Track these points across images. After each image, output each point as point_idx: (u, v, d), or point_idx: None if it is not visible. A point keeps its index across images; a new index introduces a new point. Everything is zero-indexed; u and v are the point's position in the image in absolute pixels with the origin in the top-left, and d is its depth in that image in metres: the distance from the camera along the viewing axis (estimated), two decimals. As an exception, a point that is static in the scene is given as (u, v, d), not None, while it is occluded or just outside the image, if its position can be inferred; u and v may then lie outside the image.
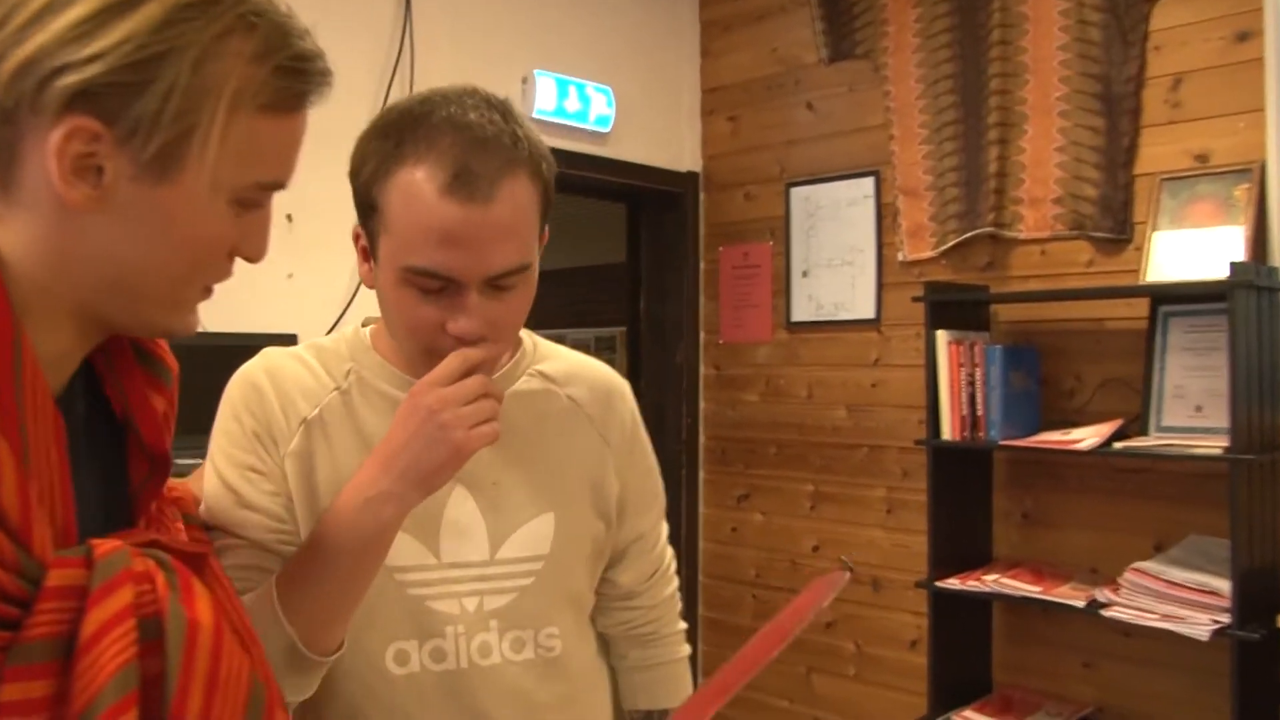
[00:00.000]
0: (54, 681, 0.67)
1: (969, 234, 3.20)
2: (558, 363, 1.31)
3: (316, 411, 1.18)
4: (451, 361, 1.03)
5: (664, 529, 1.41)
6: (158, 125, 0.71)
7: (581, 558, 1.26)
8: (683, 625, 1.43)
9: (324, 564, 1.02)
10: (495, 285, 1.06)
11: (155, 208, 0.74)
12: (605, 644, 1.38)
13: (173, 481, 0.99)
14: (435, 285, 1.05)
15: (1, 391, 0.68)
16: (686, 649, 1.43)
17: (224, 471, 1.15)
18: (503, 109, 1.08)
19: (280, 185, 0.81)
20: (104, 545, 0.72)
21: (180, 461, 2.47)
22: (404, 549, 1.15)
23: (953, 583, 2.92)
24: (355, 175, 1.08)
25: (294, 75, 0.77)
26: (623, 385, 1.36)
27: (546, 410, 1.27)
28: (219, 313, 2.63)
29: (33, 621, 0.67)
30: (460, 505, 1.19)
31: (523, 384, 1.26)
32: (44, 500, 0.70)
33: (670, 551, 1.43)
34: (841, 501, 3.57)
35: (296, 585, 1.03)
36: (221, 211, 0.77)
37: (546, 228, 1.15)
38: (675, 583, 1.43)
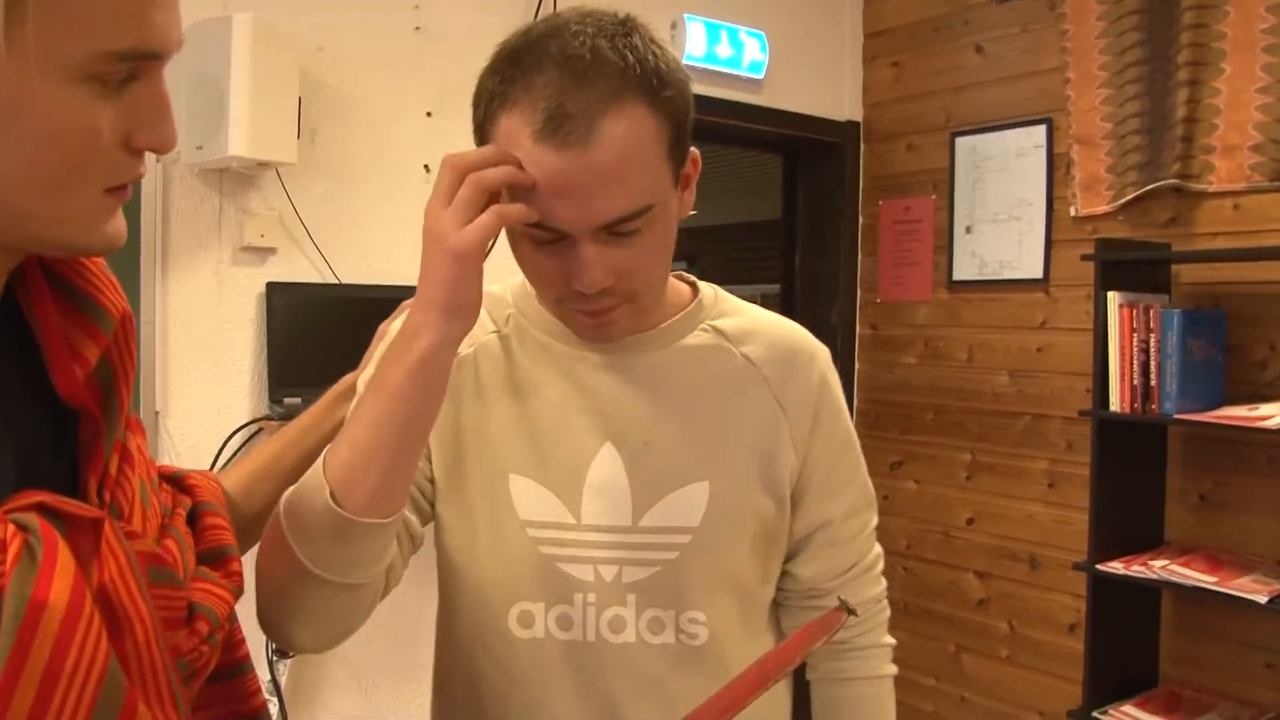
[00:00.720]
0: None
1: (1151, 186, 2.92)
2: (739, 319, 1.19)
3: (470, 350, 1.14)
4: (442, 175, 0.94)
5: (866, 521, 1.23)
6: None
7: (742, 537, 1.13)
8: (888, 640, 1.25)
9: (365, 405, 0.94)
10: (613, 232, 0.97)
11: None
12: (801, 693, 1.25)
13: (194, 473, 0.93)
14: (548, 237, 0.98)
15: None
16: (889, 667, 1.24)
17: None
18: (619, 30, 0.97)
19: (146, 53, 0.66)
20: None
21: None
22: (542, 503, 1.10)
23: (1116, 566, 2.70)
24: (473, 118, 1.01)
25: None
26: (813, 347, 1.20)
27: (715, 368, 1.15)
28: (354, 262, 2.69)
29: None
30: (606, 463, 1.11)
31: (693, 339, 1.16)
32: None
33: (876, 550, 1.25)
34: (1000, 473, 3.36)
35: (342, 433, 0.96)
36: (74, 93, 0.64)
37: (691, 155, 1.05)
38: (880, 586, 1.25)
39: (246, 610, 0.89)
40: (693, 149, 1.05)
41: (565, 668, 1.09)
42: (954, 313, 3.51)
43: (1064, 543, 3.16)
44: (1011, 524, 3.33)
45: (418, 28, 2.77)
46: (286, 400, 2.49)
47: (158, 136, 0.69)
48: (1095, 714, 2.71)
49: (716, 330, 1.17)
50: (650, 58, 0.96)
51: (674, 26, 3.24)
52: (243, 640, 0.87)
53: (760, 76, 3.44)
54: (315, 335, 2.60)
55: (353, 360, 2.48)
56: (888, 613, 1.26)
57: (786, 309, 3.97)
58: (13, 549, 0.61)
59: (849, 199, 3.80)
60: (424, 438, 0.96)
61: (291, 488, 0.98)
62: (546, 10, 2.92)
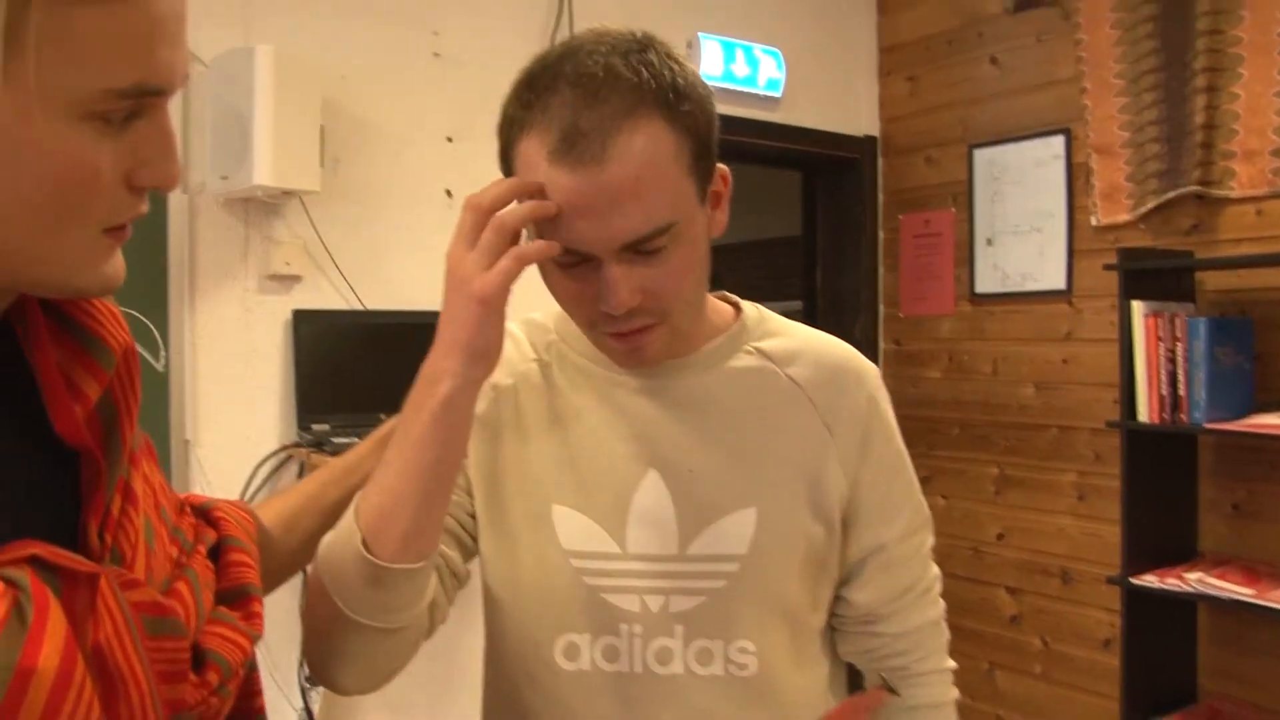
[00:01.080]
0: None
1: (1171, 194, 2.90)
2: (784, 339, 1.15)
3: (510, 381, 1.13)
4: (464, 218, 0.94)
5: (921, 542, 1.18)
6: None
7: (791, 564, 1.09)
8: (949, 664, 1.19)
9: (393, 451, 0.94)
10: (638, 251, 0.95)
11: None
12: (854, 676, 1.21)
13: (223, 504, 0.92)
14: (572, 260, 0.96)
15: None
16: (950, 692, 1.19)
17: None
18: (635, 47, 0.95)
19: (149, 89, 0.63)
20: None
21: (337, 441, 2.47)
22: (585, 533, 1.07)
23: (1150, 579, 2.67)
24: (498, 146, 1.00)
25: None
26: (861, 366, 1.15)
27: (760, 391, 1.11)
28: (378, 289, 2.70)
29: None
30: (651, 491, 1.08)
31: (737, 361, 1.12)
32: None
33: (934, 572, 1.19)
34: (1029, 486, 3.34)
35: (372, 479, 0.96)
36: (71, 131, 0.61)
37: (719, 171, 1.03)
38: (939, 609, 1.19)
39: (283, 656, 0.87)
40: (722, 166, 1.03)
41: (612, 700, 1.06)
42: (977, 326, 3.49)
43: (1096, 556, 3.13)
44: (1042, 538, 3.30)
45: (436, 54, 2.79)
46: (315, 427, 2.50)
47: (161, 174, 0.66)
48: (1133, 729, 2.68)
49: (761, 352, 1.13)
50: (666, 72, 0.94)
51: (689, 46, 3.25)
52: (260, 691, 0.85)
53: (777, 94, 3.45)
54: (342, 362, 2.62)
55: (380, 386, 2.51)
56: (947, 636, 1.20)
57: (810, 325, 3.97)
58: (1, 609, 0.58)
59: (869, 214, 3.80)
60: (451, 481, 0.96)
61: (327, 535, 0.99)
62: (564, 32, 2.94)
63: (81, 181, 0.62)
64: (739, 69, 3.33)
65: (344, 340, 2.63)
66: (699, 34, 3.24)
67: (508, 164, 0.98)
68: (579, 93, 0.91)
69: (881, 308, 3.82)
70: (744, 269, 6.71)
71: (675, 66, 0.95)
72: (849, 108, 3.75)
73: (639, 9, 3.15)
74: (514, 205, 0.93)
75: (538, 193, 0.93)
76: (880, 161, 3.81)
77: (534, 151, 0.93)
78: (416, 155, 2.76)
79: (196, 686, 0.70)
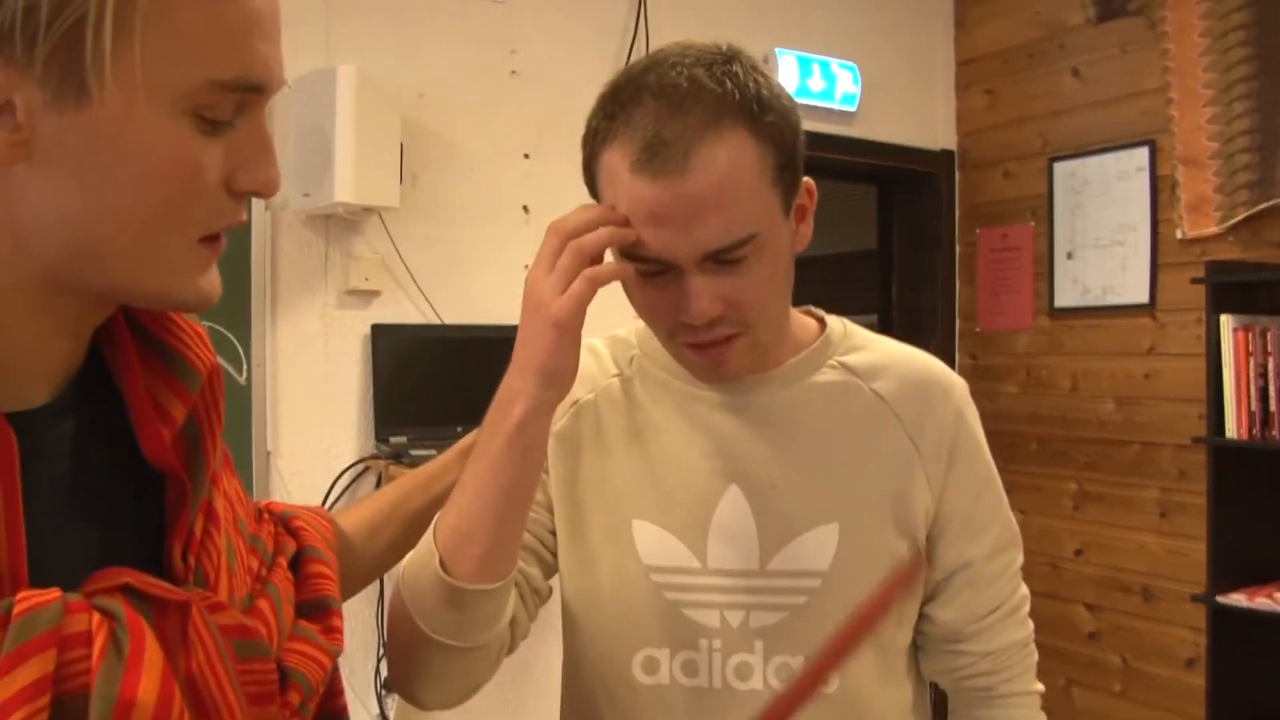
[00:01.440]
0: None
1: (1263, 205, 2.84)
2: (869, 353, 1.13)
3: (591, 396, 1.13)
4: (546, 241, 0.94)
5: (1010, 561, 1.15)
6: (35, 26, 0.55)
7: (874, 581, 1.05)
8: (1037, 686, 1.16)
9: (469, 473, 0.95)
10: (720, 261, 0.94)
11: (87, 138, 0.58)
12: (939, 697, 1.18)
13: (304, 512, 0.92)
14: (653, 269, 0.96)
15: None
16: (1038, 716, 1.15)
17: None
18: (719, 59, 0.94)
19: (251, 85, 0.63)
20: (31, 598, 0.57)
21: (415, 453, 2.49)
22: (665, 548, 1.07)
23: (1238, 598, 2.61)
24: (582, 159, 1.00)
25: None
26: (949, 380, 1.13)
27: (845, 406, 1.10)
28: (456, 303, 2.74)
29: None
30: (732, 506, 1.07)
31: (821, 376, 1.11)
32: None
33: (1022, 591, 1.16)
34: (1109, 502, 3.28)
35: (450, 499, 0.97)
36: (172, 127, 0.60)
37: (804, 185, 1.02)
38: (1027, 630, 1.16)
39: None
40: (807, 180, 1.02)
41: (690, 715, 1.05)
42: (1056, 340, 3.44)
43: (1178, 574, 3.07)
44: (1122, 555, 3.24)
45: (514, 71, 2.83)
46: (393, 439, 2.54)
47: (261, 177, 0.66)
48: (1220, 753, 2.62)
49: (845, 366, 1.12)
50: (751, 85, 0.93)
51: (765, 61, 3.24)
52: (341, 691, 0.85)
53: (853, 109, 3.44)
54: (419, 375, 2.66)
55: (456, 399, 2.52)
56: (1035, 657, 1.17)
57: (885, 340, 3.95)
58: (98, 642, 0.57)
59: (945, 228, 3.77)
60: (527, 502, 0.96)
61: (408, 555, 1.00)
62: (640, 50, 2.97)
63: (183, 180, 0.62)
64: (815, 84, 3.32)
65: (421, 354, 2.67)
66: (776, 49, 3.25)
67: (591, 176, 0.99)
68: (663, 103, 0.91)
69: (958, 322, 3.79)
70: (819, 283, 6.67)
71: (760, 79, 0.94)
72: (925, 122, 3.73)
73: (715, 25, 3.16)
74: (594, 230, 0.93)
75: (622, 221, 0.93)
76: (957, 175, 3.78)
77: (617, 162, 0.93)
78: (493, 172, 2.80)
79: (279, 709, 0.70)
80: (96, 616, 0.58)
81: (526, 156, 2.85)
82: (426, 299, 2.67)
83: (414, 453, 2.47)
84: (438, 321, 2.69)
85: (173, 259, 0.64)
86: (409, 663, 1.00)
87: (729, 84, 0.92)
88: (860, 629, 0.91)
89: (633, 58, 2.98)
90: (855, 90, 3.43)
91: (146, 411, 0.69)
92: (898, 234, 3.92)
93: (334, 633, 0.80)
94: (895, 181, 3.86)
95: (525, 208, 2.84)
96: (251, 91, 0.63)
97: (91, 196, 0.60)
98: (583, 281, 0.91)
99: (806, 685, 0.88)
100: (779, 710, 0.87)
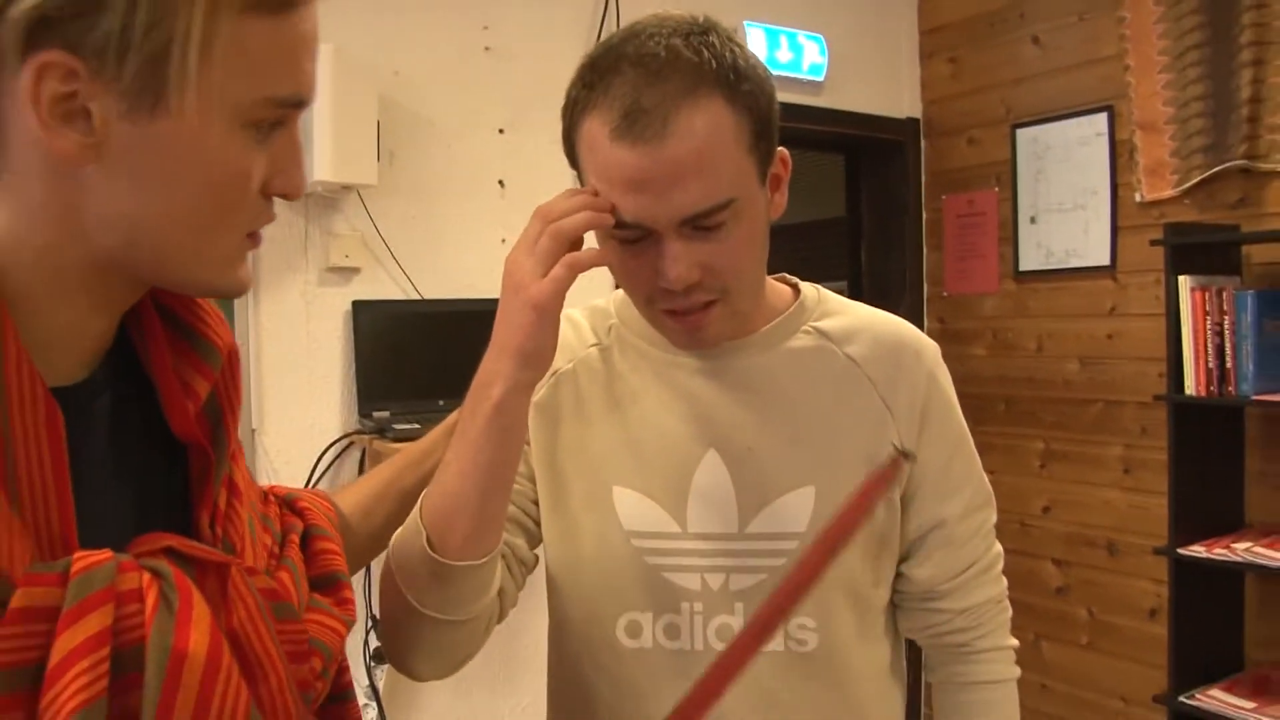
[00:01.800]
0: (20, 716, 0.57)
1: (1217, 168, 2.91)
2: (842, 318, 1.15)
3: (570, 366, 1.15)
4: (530, 224, 0.96)
5: (984, 520, 1.18)
6: (128, 44, 0.61)
7: (853, 542, 1.06)
8: (1011, 641, 1.20)
9: (451, 453, 0.97)
10: (698, 227, 0.97)
11: (155, 145, 0.64)
12: (916, 654, 1.22)
13: (305, 494, 0.96)
14: (633, 235, 0.98)
15: None
16: (1011, 670, 1.19)
17: None
18: (695, 29, 0.96)
19: (300, 101, 0.69)
20: (86, 558, 0.61)
21: (398, 427, 2.52)
22: (646, 513, 1.09)
23: (1198, 550, 2.70)
24: (562, 129, 1.02)
25: None
26: (920, 343, 1.16)
27: (819, 371, 1.12)
28: (434, 278, 2.78)
29: None
30: (710, 471, 1.09)
31: (796, 341, 1.13)
32: (30, 504, 0.61)
33: (996, 549, 1.20)
34: (1074, 460, 3.37)
35: (434, 478, 0.99)
36: (233, 138, 0.67)
37: (779, 154, 1.04)
38: (1000, 586, 1.19)
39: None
40: (782, 150, 1.04)
41: (673, 676, 1.06)
42: (1021, 303, 3.52)
43: (1142, 528, 3.15)
44: (1088, 511, 3.33)
45: (487, 48, 2.85)
46: (375, 414, 2.58)
47: (292, 181, 0.72)
48: (1182, 699, 2.71)
49: (819, 331, 1.14)
50: (728, 54, 0.95)
51: (735, 33, 3.29)
52: (347, 667, 0.88)
53: (820, 79, 3.48)
54: (400, 350, 2.69)
55: (437, 372, 2.54)
56: (1009, 613, 1.21)
57: (856, 306, 4.01)
58: (150, 598, 0.62)
59: (912, 195, 3.83)
60: (509, 479, 0.98)
61: (397, 531, 1.03)
62: (610, 24, 3.00)
63: (236, 186, 0.68)
64: (783, 55, 3.37)
65: (402, 329, 2.70)
66: (744, 22, 3.28)
67: (571, 145, 1.01)
68: (641, 72, 0.93)
69: (926, 287, 3.85)
70: (790, 250, 6.68)
71: (735, 49, 0.97)
72: (891, 91, 3.77)
73: (684, 1, 3.20)
74: (575, 214, 0.95)
75: (605, 207, 0.95)
76: (923, 143, 3.83)
77: (597, 130, 0.95)
78: (469, 148, 2.82)
79: (307, 671, 0.74)
80: (146, 575, 0.63)
81: (501, 131, 2.88)
82: (406, 275, 2.70)
83: (397, 427, 2.51)
84: (417, 297, 2.72)
85: (220, 254, 0.71)
86: (401, 636, 1.03)
87: (705, 53, 0.94)
88: (846, 527, 0.94)
89: (604, 32, 3.01)
90: (822, 61, 3.47)
91: (174, 388, 0.75)
92: (866, 201, 3.97)
93: (346, 604, 0.85)
94: (863, 150, 3.91)
95: (501, 182, 2.87)
96: (297, 106, 0.70)
97: (154, 198, 0.66)
98: (563, 267, 0.93)
99: (799, 582, 0.91)
100: (773, 608, 0.91)
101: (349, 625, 0.83)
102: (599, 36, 3.00)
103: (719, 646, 1.06)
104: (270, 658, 0.70)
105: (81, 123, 0.62)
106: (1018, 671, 1.20)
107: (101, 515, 0.67)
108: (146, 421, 0.75)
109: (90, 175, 0.64)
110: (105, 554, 0.62)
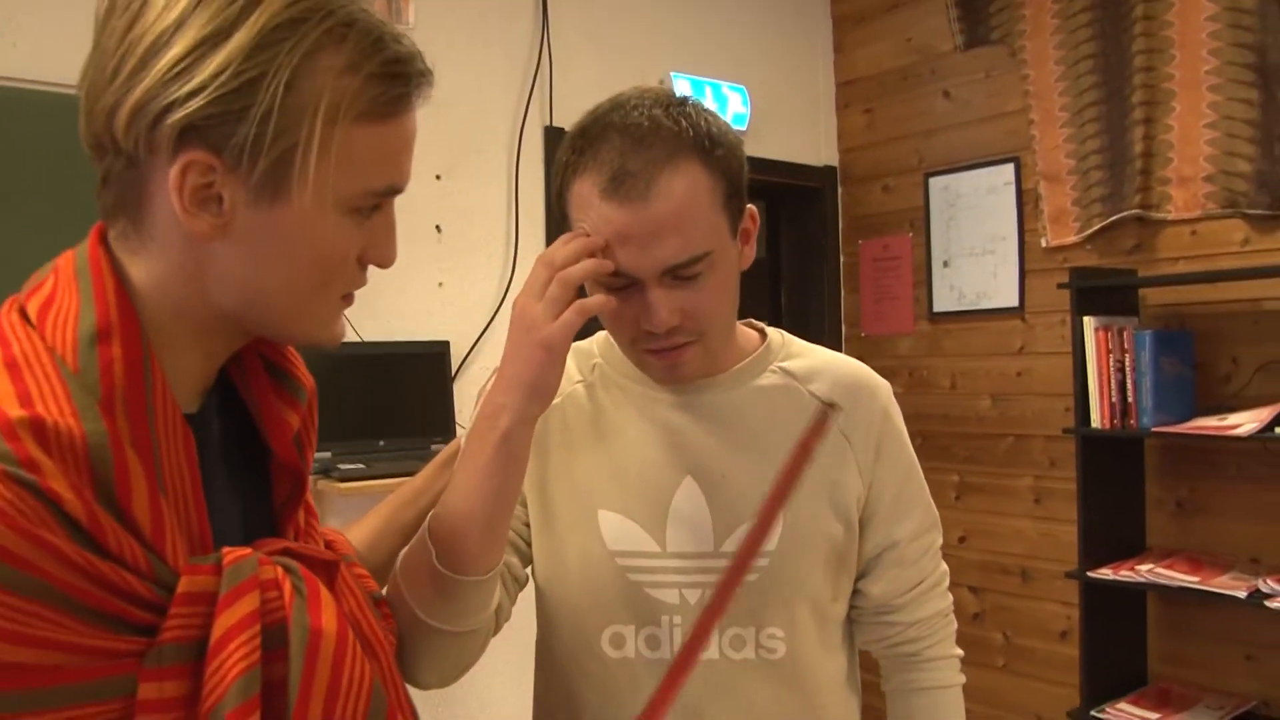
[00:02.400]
0: (186, 682, 0.69)
1: (1115, 217, 3.12)
2: (805, 360, 1.26)
3: (558, 400, 1.22)
4: (536, 272, 1.05)
5: (931, 542, 1.29)
6: (260, 148, 0.72)
7: (815, 559, 1.20)
8: (956, 651, 1.31)
9: (460, 477, 1.04)
10: (677, 276, 1.07)
11: (274, 228, 0.75)
12: (870, 666, 1.31)
13: (329, 530, 1.04)
14: (619, 283, 1.08)
15: (134, 412, 0.71)
16: (957, 677, 1.30)
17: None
18: (674, 103, 1.08)
19: (395, 190, 0.81)
20: (234, 553, 0.73)
21: (343, 467, 2.55)
22: (628, 534, 1.17)
23: (1105, 573, 2.85)
24: (554, 188, 1.13)
25: (388, 81, 0.77)
26: (875, 382, 1.27)
27: (785, 406, 1.22)
28: (373, 321, 2.83)
29: (166, 625, 0.69)
30: (687, 495, 1.18)
31: (764, 379, 1.23)
32: (178, 511, 0.72)
33: (942, 568, 1.31)
34: (988, 491, 3.53)
35: (443, 500, 1.06)
36: (339, 223, 0.78)
37: (748, 211, 1.14)
38: (947, 601, 1.31)
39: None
40: (751, 206, 1.15)
41: (654, 683, 1.13)
42: (935, 343, 3.68)
43: (1052, 554, 3.32)
44: (1001, 539, 3.48)
45: (425, 97, 2.93)
46: (319, 455, 2.62)
47: (385, 254, 0.84)
48: (1093, 713, 2.85)
49: (785, 371, 1.24)
50: (703, 123, 1.07)
51: (661, 84, 3.42)
52: None
53: (743, 128, 3.63)
54: (341, 391, 2.72)
55: (378, 413, 2.60)
56: (954, 625, 1.31)
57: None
58: (286, 587, 0.74)
59: (830, 239, 3.99)
60: (512, 503, 1.04)
61: (405, 548, 1.10)
62: (544, 77, 3.12)
63: (337, 260, 0.80)
64: (707, 105, 3.50)
65: (342, 370, 2.72)
66: (671, 73, 3.42)
67: (562, 204, 1.11)
68: (627, 140, 1.04)
69: (844, 328, 4.00)
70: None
71: (709, 117, 1.09)
72: (810, 140, 3.94)
73: (614, 52, 3.33)
74: (578, 263, 1.05)
75: (601, 249, 1.06)
76: (840, 190, 4.00)
77: (588, 190, 1.06)
78: (407, 194, 2.70)
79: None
80: (279, 569, 0.75)
81: (438, 178, 2.95)
82: (345, 317, 2.74)
83: (341, 466, 2.55)
84: (357, 339, 2.77)
85: (319, 314, 0.82)
86: (406, 645, 1.08)
87: (684, 123, 1.06)
88: (791, 478, 1.09)
89: (538, 83, 3.12)
90: (745, 111, 3.62)
91: (277, 419, 0.86)
92: (785, 245, 4.13)
93: (389, 618, 0.96)
94: (783, 196, 4.06)
95: (438, 227, 2.94)
96: (393, 194, 0.82)
97: (270, 270, 0.77)
98: (575, 312, 1.02)
99: (757, 536, 1.09)
100: (740, 563, 1.07)
101: (396, 634, 0.95)
102: (532, 87, 3.12)
103: (696, 655, 1.15)
104: (379, 639, 0.83)
105: (214, 207, 0.74)
106: (963, 678, 1.31)
107: (220, 520, 0.77)
108: (245, 448, 0.87)
109: (218, 249, 0.75)
110: (247, 550, 0.74)
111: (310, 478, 0.91)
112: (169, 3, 0.71)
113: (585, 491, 1.21)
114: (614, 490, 1.20)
